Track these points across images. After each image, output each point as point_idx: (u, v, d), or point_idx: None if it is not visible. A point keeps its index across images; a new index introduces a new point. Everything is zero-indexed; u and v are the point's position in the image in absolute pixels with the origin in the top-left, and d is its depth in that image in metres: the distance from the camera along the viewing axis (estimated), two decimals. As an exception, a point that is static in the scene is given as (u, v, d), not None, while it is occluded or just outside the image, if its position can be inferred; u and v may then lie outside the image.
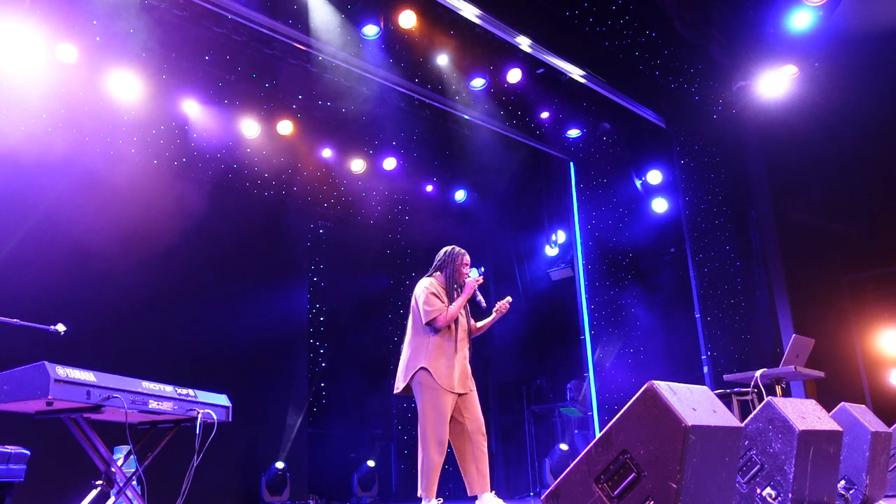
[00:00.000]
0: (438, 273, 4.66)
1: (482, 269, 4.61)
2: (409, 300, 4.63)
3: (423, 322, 4.42)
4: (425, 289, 4.50)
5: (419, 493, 4.25)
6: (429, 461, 4.22)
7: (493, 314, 4.64)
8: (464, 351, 4.50)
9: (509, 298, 4.65)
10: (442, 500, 4.30)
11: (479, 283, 4.56)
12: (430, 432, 4.26)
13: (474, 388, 4.51)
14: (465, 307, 4.58)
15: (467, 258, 4.70)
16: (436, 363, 4.33)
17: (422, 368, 4.34)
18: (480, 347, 10.03)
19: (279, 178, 8.89)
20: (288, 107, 8.40)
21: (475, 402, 4.46)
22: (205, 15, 6.85)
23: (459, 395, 4.38)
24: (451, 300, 4.50)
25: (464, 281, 4.57)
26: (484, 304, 4.59)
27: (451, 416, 4.36)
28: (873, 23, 7.37)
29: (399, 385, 4.47)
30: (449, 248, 4.75)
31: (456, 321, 4.49)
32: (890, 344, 7.46)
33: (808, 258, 7.98)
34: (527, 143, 9.30)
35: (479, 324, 4.73)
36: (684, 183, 8.58)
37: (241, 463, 7.96)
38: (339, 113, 8.48)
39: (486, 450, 4.36)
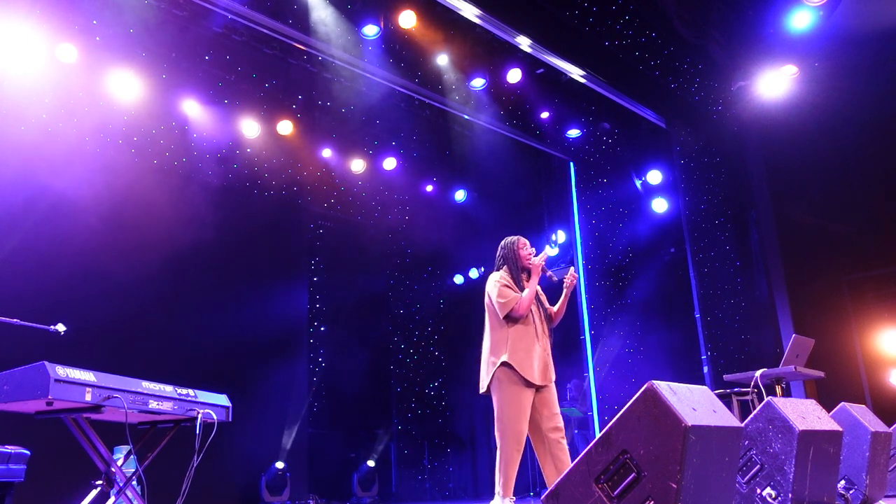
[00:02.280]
0: (504, 267, 4.49)
1: (553, 241, 4.43)
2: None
3: (501, 315, 4.28)
4: (496, 282, 4.35)
5: (497, 489, 4.14)
6: (506, 458, 4.11)
7: (564, 290, 4.43)
8: (544, 341, 4.35)
9: (573, 268, 4.47)
10: (515, 500, 4.21)
11: (544, 260, 4.38)
12: (510, 429, 4.13)
13: (553, 381, 4.36)
14: (538, 297, 4.44)
15: (524, 241, 4.54)
16: (516, 356, 4.19)
17: (503, 364, 4.21)
18: (479, 346, 10.04)
19: (279, 178, 8.89)
20: (288, 107, 8.40)
21: (552, 397, 4.31)
22: (205, 15, 6.86)
23: (538, 388, 4.26)
24: (521, 288, 4.35)
25: (529, 264, 4.42)
26: (556, 279, 4.42)
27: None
28: (873, 23, 7.38)
29: (483, 384, 4.33)
30: (505, 239, 4.60)
31: (531, 311, 4.34)
32: (890, 344, 7.46)
33: (808, 258, 7.99)
34: (527, 143, 9.30)
35: (556, 307, 4.53)
36: (684, 183, 8.58)
37: (241, 463, 7.96)
38: (339, 113, 8.49)
39: (565, 446, 4.21)
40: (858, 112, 7.55)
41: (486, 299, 4.42)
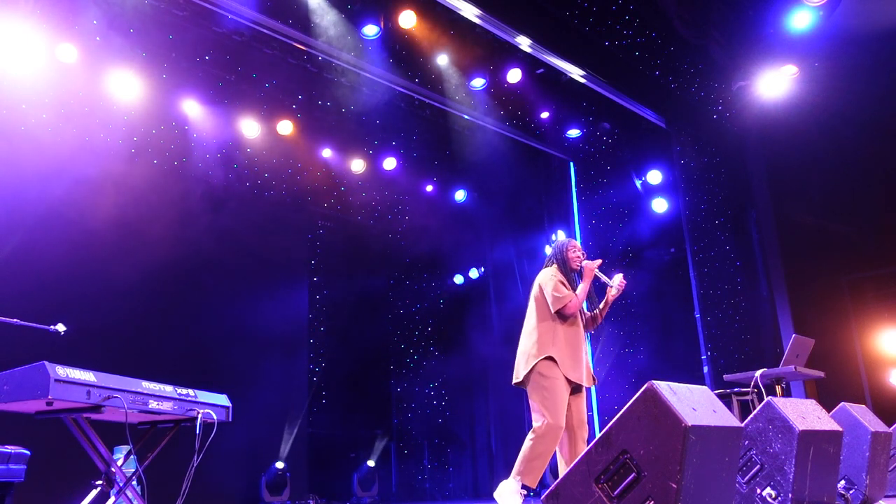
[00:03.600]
0: (554, 266, 4.55)
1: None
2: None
3: (553, 310, 4.31)
4: (552, 276, 4.42)
5: (514, 473, 4.12)
6: (539, 451, 4.09)
7: (615, 291, 4.48)
8: (586, 345, 4.44)
9: (621, 275, 4.50)
10: (526, 493, 4.19)
11: (598, 265, 4.45)
12: (553, 422, 4.12)
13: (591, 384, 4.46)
14: (588, 300, 4.52)
15: (574, 243, 4.61)
16: (562, 353, 4.24)
17: (548, 357, 4.24)
18: (481, 345, 10.06)
19: (279, 178, 8.89)
20: (288, 107, 8.40)
21: (584, 402, 4.38)
22: (205, 15, 6.85)
23: (573, 390, 4.29)
24: (571, 288, 4.41)
25: (579, 267, 4.49)
26: (610, 285, 4.48)
27: None
28: (873, 23, 7.37)
29: (519, 373, 4.34)
30: (557, 240, 4.67)
31: (580, 312, 4.42)
32: (890, 344, 7.46)
33: (808, 258, 7.98)
34: (527, 143, 9.30)
35: (597, 310, 4.60)
36: (684, 183, 8.57)
37: (241, 463, 7.96)
38: (339, 113, 8.49)
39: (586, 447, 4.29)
40: (858, 112, 7.55)
41: (537, 291, 4.45)
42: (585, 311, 4.57)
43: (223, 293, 8.17)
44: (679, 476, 2.27)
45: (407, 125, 8.98)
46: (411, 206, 10.23)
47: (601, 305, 4.58)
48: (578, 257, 4.54)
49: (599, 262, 4.48)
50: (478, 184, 10.30)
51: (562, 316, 4.33)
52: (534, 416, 4.23)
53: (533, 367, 4.27)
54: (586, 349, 4.43)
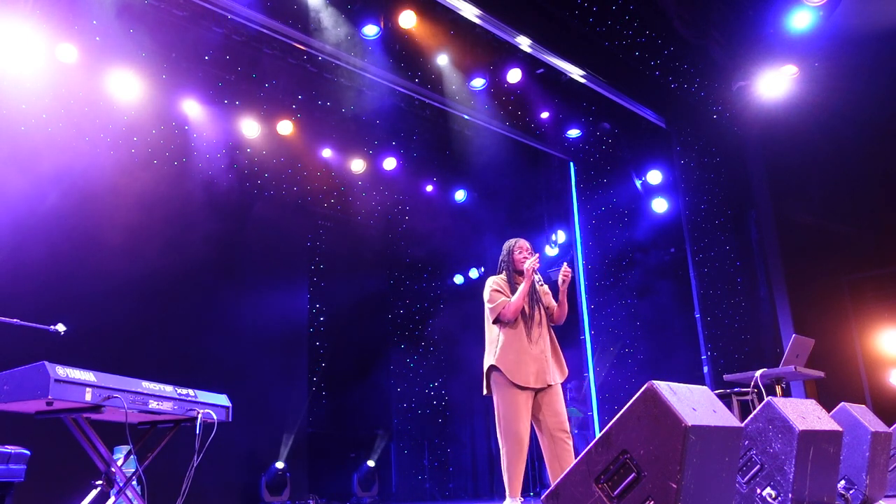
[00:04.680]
0: (503, 272, 4.51)
1: (553, 241, 4.39)
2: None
3: (491, 319, 4.33)
4: (488, 287, 4.40)
5: (507, 492, 4.17)
6: (508, 458, 4.15)
7: (560, 286, 4.38)
8: (540, 344, 4.33)
9: (566, 264, 4.41)
10: (523, 500, 4.20)
11: (536, 262, 4.35)
12: (505, 430, 4.17)
13: (557, 382, 4.33)
14: (536, 298, 4.42)
15: (522, 243, 4.54)
16: (505, 359, 4.23)
17: (492, 367, 4.26)
18: (480, 346, 10.05)
19: (279, 178, 8.90)
20: (288, 107, 8.40)
21: (556, 397, 4.30)
22: (205, 15, 6.85)
23: (538, 390, 4.26)
24: (514, 292, 4.36)
25: (522, 267, 4.42)
26: (541, 284, 4.42)
27: (533, 414, 4.25)
28: (873, 23, 7.37)
29: (485, 386, 4.38)
30: (506, 242, 4.60)
31: (524, 313, 4.33)
32: (890, 344, 7.46)
33: (808, 258, 7.98)
34: (527, 143, 9.30)
35: (556, 306, 4.50)
36: (684, 183, 8.57)
37: (241, 463, 7.96)
38: (339, 113, 8.49)
39: (570, 447, 4.20)
40: (858, 112, 7.55)
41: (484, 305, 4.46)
42: (541, 308, 4.45)
43: (223, 293, 8.17)
44: (679, 476, 2.27)
45: (407, 125, 8.98)
46: (411, 206, 10.23)
47: (559, 296, 4.47)
48: (523, 259, 4.46)
49: (535, 258, 4.37)
50: (478, 184, 10.30)
51: (502, 323, 4.31)
52: (497, 424, 4.26)
53: (489, 378, 4.32)
54: (543, 349, 4.33)
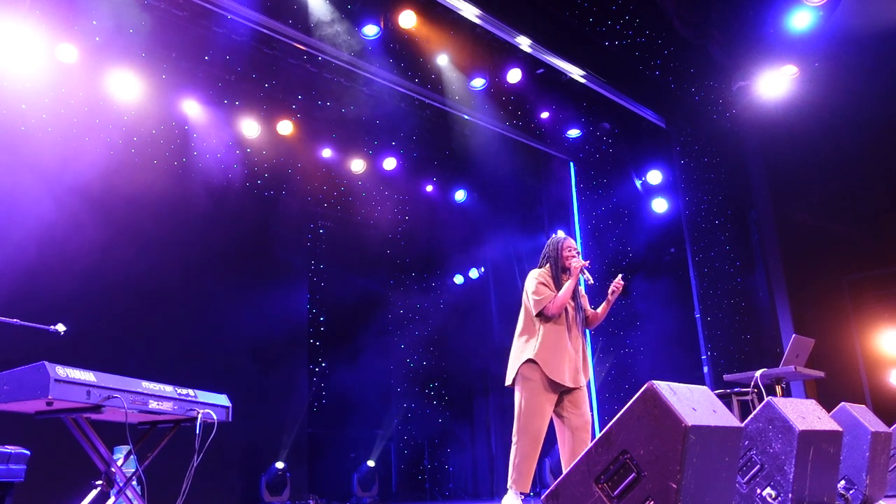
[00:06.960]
0: (547, 265, 4.51)
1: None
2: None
3: (534, 312, 4.31)
4: (534, 279, 4.38)
5: (508, 483, 4.16)
6: (521, 454, 4.14)
7: (609, 296, 4.44)
8: (576, 343, 4.36)
9: (620, 276, 4.45)
10: (523, 497, 4.19)
11: (585, 265, 4.36)
12: (525, 425, 4.16)
13: (584, 384, 4.36)
14: (577, 298, 4.46)
15: (570, 242, 4.55)
16: (545, 354, 4.22)
17: (529, 360, 4.23)
18: (480, 346, 10.07)
19: (279, 178, 8.89)
20: (288, 107, 8.40)
21: (583, 398, 4.32)
22: (205, 15, 6.86)
23: (567, 390, 4.27)
24: (559, 288, 4.36)
25: (570, 265, 4.41)
26: (592, 282, 4.42)
27: (557, 412, 4.25)
28: (873, 23, 7.37)
29: (509, 378, 4.36)
30: (551, 237, 4.62)
31: (566, 311, 4.35)
32: (890, 344, 7.46)
33: (808, 258, 7.98)
34: (527, 143, 9.30)
35: (599, 309, 4.54)
36: (684, 183, 8.58)
37: (241, 463, 7.96)
38: (339, 113, 8.49)
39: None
40: (858, 112, 7.55)
41: (524, 296, 4.43)
42: (580, 309, 4.50)
43: (223, 293, 8.16)
44: (679, 476, 2.27)
45: (407, 125, 8.98)
46: (411, 206, 10.23)
47: (603, 304, 4.53)
48: (570, 256, 4.47)
49: (586, 263, 4.40)
50: (478, 184, 10.31)
51: (544, 317, 4.30)
52: (515, 418, 4.25)
53: (518, 370, 4.29)
54: (577, 348, 4.36)
